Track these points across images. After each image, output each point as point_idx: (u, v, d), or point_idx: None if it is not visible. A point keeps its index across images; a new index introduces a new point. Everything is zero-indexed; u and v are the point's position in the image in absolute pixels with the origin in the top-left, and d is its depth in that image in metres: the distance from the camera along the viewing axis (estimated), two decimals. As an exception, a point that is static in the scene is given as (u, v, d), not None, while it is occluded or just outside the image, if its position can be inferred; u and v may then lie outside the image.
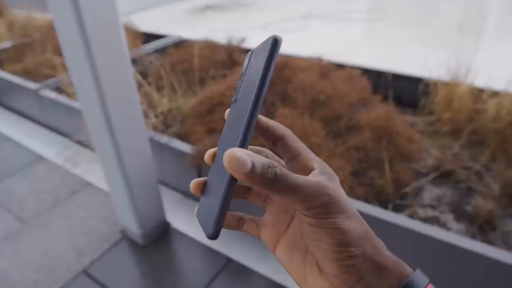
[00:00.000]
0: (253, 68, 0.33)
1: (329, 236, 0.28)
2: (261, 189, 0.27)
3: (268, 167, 0.27)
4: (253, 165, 0.26)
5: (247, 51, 2.75)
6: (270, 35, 0.31)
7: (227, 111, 0.36)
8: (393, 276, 0.30)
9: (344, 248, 0.28)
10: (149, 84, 2.42)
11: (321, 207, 0.28)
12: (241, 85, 0.35)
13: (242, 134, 0.30)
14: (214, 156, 0.35)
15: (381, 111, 1.79)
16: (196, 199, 1.93)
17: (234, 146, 0.29)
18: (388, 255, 0.31)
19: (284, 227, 0.35)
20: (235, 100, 0.35)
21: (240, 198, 0.38)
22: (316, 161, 0.33)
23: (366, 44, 3.84)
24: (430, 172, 1.74)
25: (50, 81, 2.75)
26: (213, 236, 0.30)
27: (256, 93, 0.30)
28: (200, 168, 1.79)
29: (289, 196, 0.27)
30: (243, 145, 0.29)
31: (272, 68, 0.30)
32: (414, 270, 0.31)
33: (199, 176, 1.85)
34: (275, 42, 0.30)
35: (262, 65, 0.30)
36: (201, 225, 0.33)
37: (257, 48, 0.34)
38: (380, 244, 0.31)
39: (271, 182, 0.26)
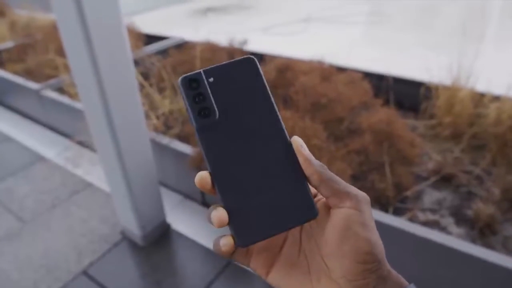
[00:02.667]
0: (231, 87, 0.35)
1: (366, 232, 0.31)
2: (313, 173, 0.33)
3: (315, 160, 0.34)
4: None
5: (248, 53, 2.75)
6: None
7: (205, 136, 0.34)
8: (394, 286, 0.31)
9: (373, 249, 0.30)
10: (150, 85, 2.43)
11: (363, 201, 0.32)
12: (214, 105, 0.34)
13: (286, 136, 0.35)
14: (211, 179, 0.33)
15: (382, 114, 1.79)
16: (196, 200, 1.93)
17: (277, 158, 0.34)
18: (388, 265, 0.32)
19: (277, 250, 0.35)
20: (217, 121, 0.34)
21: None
22: None
23: (367, 47, 3.85)
24: (430, 176, 1.74)
25: (52, 81, 2.75)
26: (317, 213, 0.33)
27: (272, 104, 0.35)
28: (200, 170, 1.79)
29: (337, 184, 0.32)
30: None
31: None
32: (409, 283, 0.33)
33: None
34: (254, 60, 0.36)
35: (256, 80, 0.35)
36: (264, 233, 0.32)
37: (218, 68, 0.35)
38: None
39: (322, 168, 0.33)
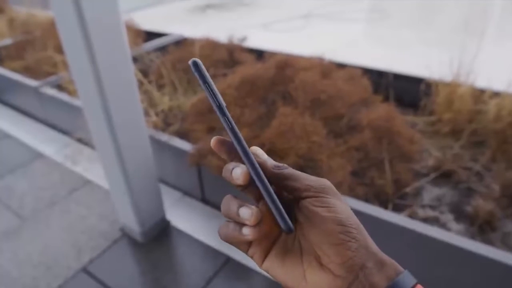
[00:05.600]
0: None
1: (330, 213, 0.32)
2: (270, 176, 0.34)
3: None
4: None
5: (248, 50, 2.74)
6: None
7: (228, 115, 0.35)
8: (390, 269, 0.32)
9: (344, 227, 0.31)
10: (149, 82, 2.42)
11: (319, 188, 0.33)
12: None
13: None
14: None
15: (381, 111, 1.79)
16: (196, 197, 1.93)
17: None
18: (380, 251, 0.33)
19: (275, 238, 0.36)
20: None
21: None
22: None
23: (367, 44, 3.84)
24: (430, 172, 1.74)
25: (51, 78, 2.75)
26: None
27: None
28: (200, 167, 1.79)
29: (294, 182, 0.34)
30: None
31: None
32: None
33: (200, 175, 1.85)
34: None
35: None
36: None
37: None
38: (372, 240, 0.33)
39: (279, 168, 0.35)
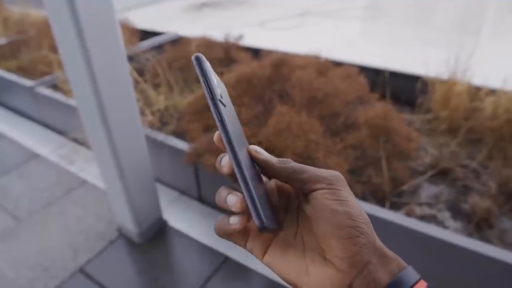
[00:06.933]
0: (223, 90, 0.36)
1: (341, 207, 0.31)
2: (277, 172, 0.34)
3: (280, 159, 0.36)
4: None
5: (244, 48, 2.73)
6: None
7: (224, 108, 0.34)
8: (394, 264, 0.32)
9: (355, 222, 0.31)
10: (145, 81, 2.41)
11: (333, 180, 0.33)
12: (220, 91, 0.35)
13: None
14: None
15: (378, 109, 1.79)
16: (193, 196, 1.93)
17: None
18: (384, 246, 0.33)
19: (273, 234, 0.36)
20: (224, 105, 0.34)
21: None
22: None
23: (364, 42, 3.84)
24: (427, 170, 1.74)
25: (46, 78, 2.73)
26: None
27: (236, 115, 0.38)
28: (196, 166, 1.78)
29: (303, 174, 0.34)
30: None
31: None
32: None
33: (196, 174, 1.84)
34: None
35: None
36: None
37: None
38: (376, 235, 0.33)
39: (284, 163, 0.35)
